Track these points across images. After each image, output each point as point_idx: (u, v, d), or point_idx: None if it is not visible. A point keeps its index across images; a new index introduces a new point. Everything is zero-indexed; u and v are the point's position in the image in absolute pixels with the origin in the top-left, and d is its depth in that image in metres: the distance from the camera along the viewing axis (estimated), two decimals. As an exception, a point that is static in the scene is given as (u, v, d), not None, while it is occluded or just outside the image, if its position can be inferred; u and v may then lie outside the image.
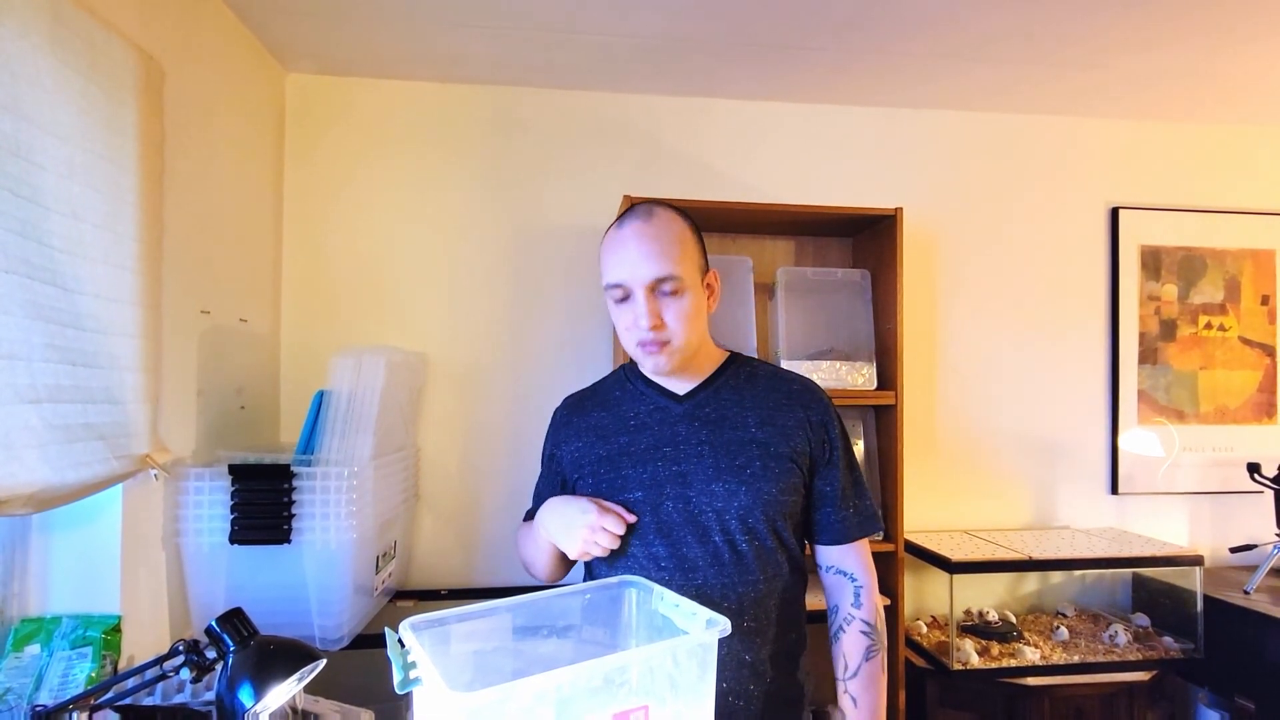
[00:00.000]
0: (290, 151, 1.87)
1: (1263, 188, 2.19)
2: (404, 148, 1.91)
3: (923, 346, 2.05)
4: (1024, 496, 2.12)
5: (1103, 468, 2.13)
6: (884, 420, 1.77)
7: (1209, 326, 2.14)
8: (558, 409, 1.11)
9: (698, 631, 0.72)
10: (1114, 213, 2.12)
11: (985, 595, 2.05)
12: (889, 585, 1.74)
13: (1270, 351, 2.16)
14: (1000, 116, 2.12)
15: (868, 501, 1.02)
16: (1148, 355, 2.12)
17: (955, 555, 1.75)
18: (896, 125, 2.08)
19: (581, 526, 0.91)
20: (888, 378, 1.73)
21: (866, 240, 1.87)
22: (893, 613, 1.72)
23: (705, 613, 0.73)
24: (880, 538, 1.74)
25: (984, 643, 1.81)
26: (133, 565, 1.17)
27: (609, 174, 1.96)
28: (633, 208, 0.96)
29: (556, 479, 1.07)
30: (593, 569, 1.01)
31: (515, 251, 1.95)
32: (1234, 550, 1.96)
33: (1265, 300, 2.16)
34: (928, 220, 2.07)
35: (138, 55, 1.09)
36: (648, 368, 0.99)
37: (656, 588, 0.81)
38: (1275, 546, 1.83)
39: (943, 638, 1.85)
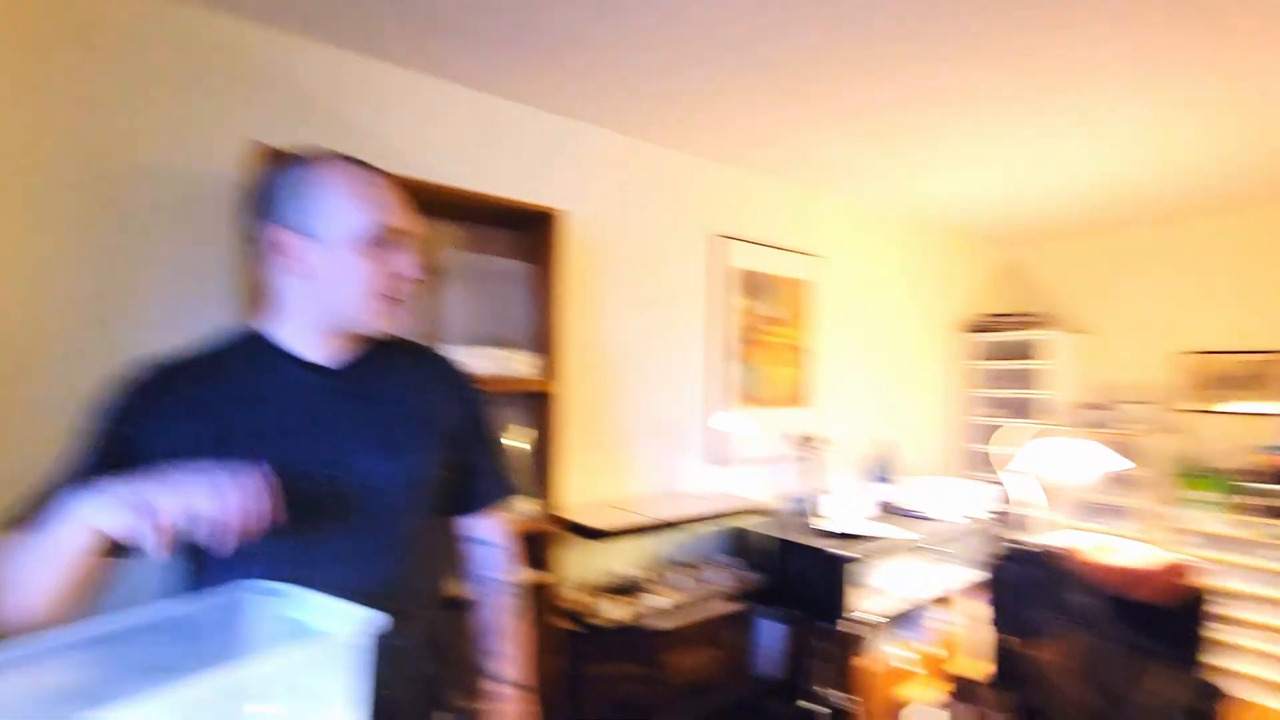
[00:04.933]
0: None
1: (810, 235, 3.03)
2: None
3: (579, 340, 2.26)
4: (649, 469, 2.50)
5: (703, 443, 2.66)
6: (544, 406, 1.89)
7: (772, 334, 2.85)
8: (137, 378, 0.84)
9: (339, 630, 0.66)
10: (714, 239, 2.67)
11: (620, 558, 2.36)
12: (545, 559, 1.86)
13: (805, 354, 3.00)
14: (646, 145, 2.47)
15: (508, 473, 1.08)
16: (735, 354, 2.72)
17: (599, 525, 1.97)
18: (569, 133, 2.26)
19: (207, 487, 0.67)
20: (549, 367, 1.85)
21: (535, 235, 1.97)
22: (549, 585, 1.84)
23: (345, 608, 0.67)
24: (531, 511, 1.85)
25: (622, 598, 2.07)
26: None
27: (235, 116, 1.65)
28: (342, 156, 0.87)
29: (118, 467, 0.75)
30: (202, 574, 0.82)
31: (100, 194, 1.49)
32: (781, 499, 2.66)
33: (804, 317, 2.99)
34: (593, 224, 2.30)
35: None
36: (387, 325, 0.89)
37: (287, 588, 0.71)
38: (803, 494, 2.54)
39: (591, 600, 2.07)
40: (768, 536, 2.42)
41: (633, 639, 2.07)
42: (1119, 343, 3.69)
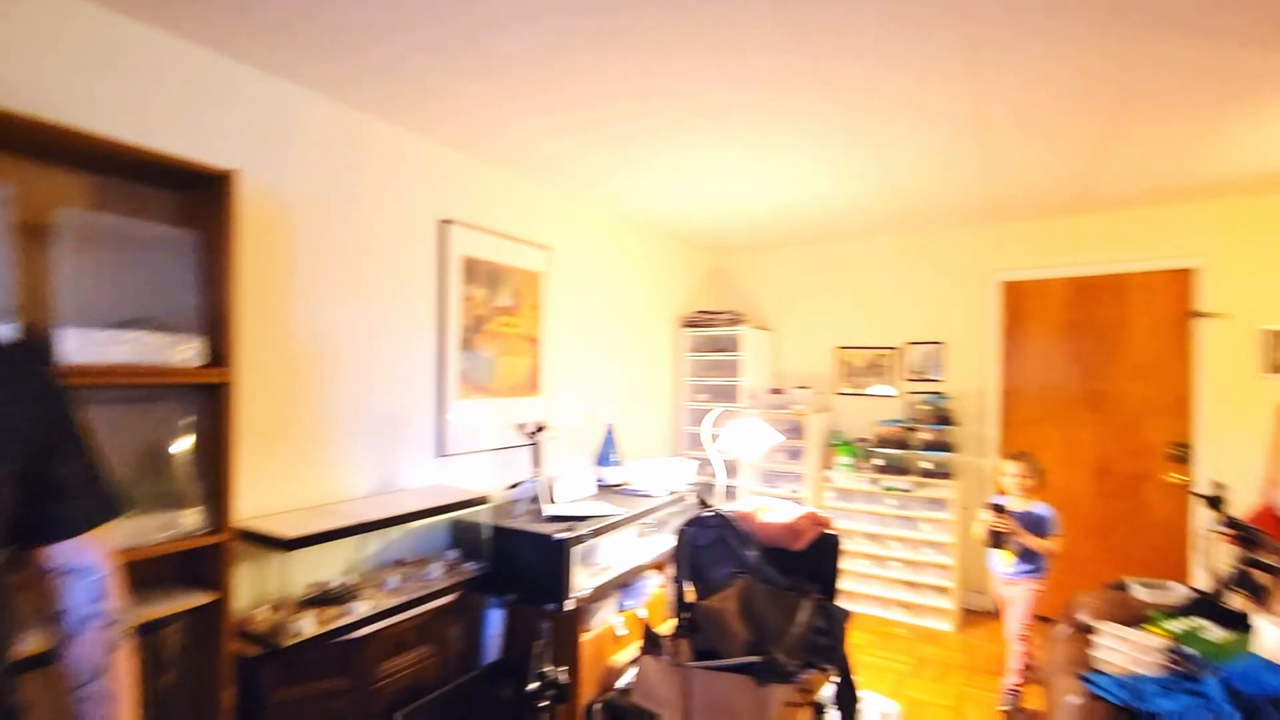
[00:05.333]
0: None
1: (537, 226, 3.09)
2: None
3: (270, 325, 1.99)
4: (368, 467, 2.32)
5: (431, 435, 2.56)
6: (214, 401, 1.62)
7: (504, 324, 2.86)
8: None
9: None
10: (443, 225, 2.57)
11: (331, 565, 2.15)
12: (217, 580, 1.60)
13: (536, 344, 3.06)
14: (369, 118, 2.26)
15: (108, 482, 0.89)
16: (465, 343, 2.66)
17: (295, 532, 1.76)
18: (270, 91, 1.96)
19: None
20: (219, 354, 1.59)
21: (199, 199, 1.66)
22: (218, 609, 1.59)
23: None
24: (196, 524, 1.58)
25: (321, 610, 1.89)
26: None
27: None
28: None
29: None
30: None
31: None
32: (509, 488, 2.69)
33: (535, 307, 3.04)
34: (299, 195, 2.03)
35: None
36: None
37: None
38: (530, 480, 2.59)
39: (286, 617, 1.84)
40: (493, 527, 2.42)
41: (332, 653, 1.90)
42: (793, 338, 4.48)
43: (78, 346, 1.35)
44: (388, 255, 2.38)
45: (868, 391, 4.18)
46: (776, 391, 4.06)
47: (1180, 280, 3.37)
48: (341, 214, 2.21)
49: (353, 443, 2.27)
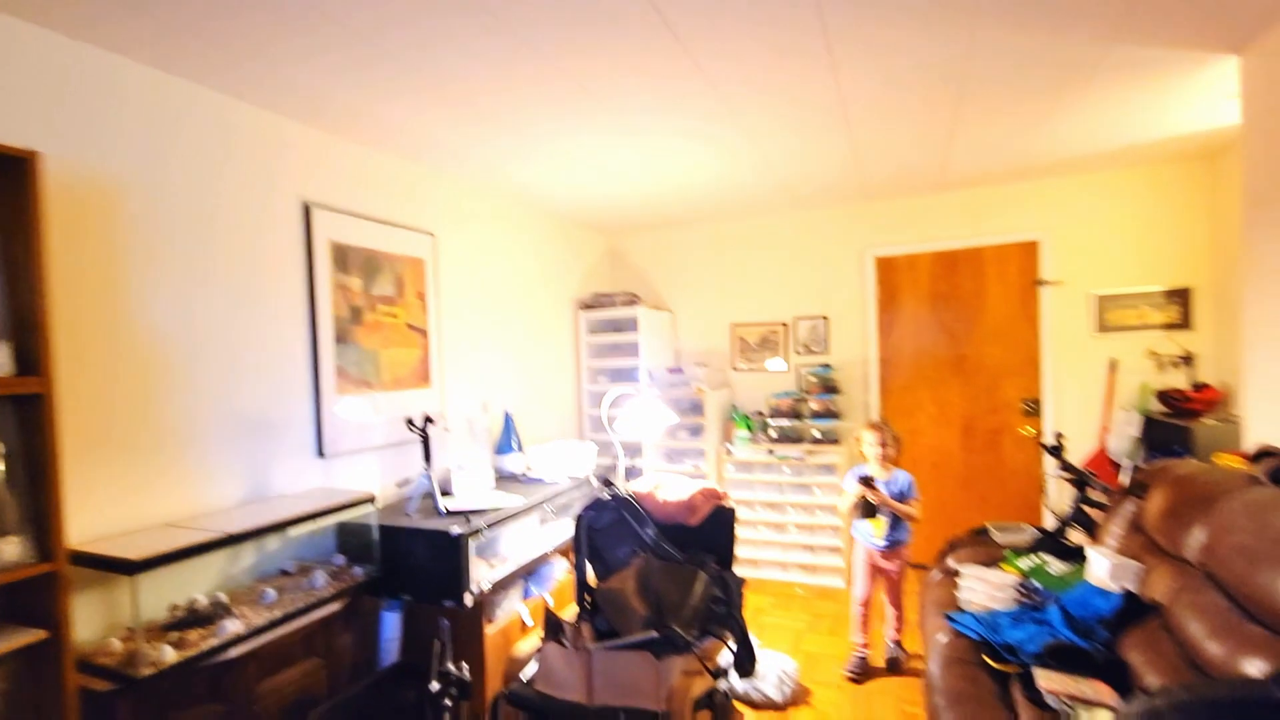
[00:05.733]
0: None
1: (417, 211, 2.94)
2: None
3: (100, 324, 1.77)
4: (237, 474, 2.14)
5: (310, 436, 2.40)
6: (29, 414, 1.42)
7: (386, 314, 2.71)
8: None
9: None
10: (306, 208, 2.39)
11: (200, 583, 1.97)
12: (47, 615, 1.43)
13: (425, 333, 2.93)
14: (193, 86, 2.04)
15: None
16: (342, 335, 2.50)
17: (142, 554, 1.59)
18: (74, 59, 1.70)
19: None
20: (32, 361, 1.40)
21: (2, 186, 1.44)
22: (54, 645, 1.42)
23: None
24: (15, 553, 1.40)
25: (183, 634, 1.73)
26: None
27: None
28: None
29: None
30: None
31: None
32: (398, 485, 2.57)
33: (421, 295, 2.91)
34: (107, 175, 1.80)
35: None
36: None
37: None
38: (423, 476, 2.50)
39: (142, 646, 1.67)
40: (384, 527, 2.31)
41: (201, 677, 1.75)
42: (690, 317, 4.58)
43: None
44: (243, 243, 2.18)
45: (762, 367, 4.34)
46: (676, 370, 4.13)
47: (1027, 252, 3.73)
48: (183, 198, 2.00)
49: (216, 449, 2.08)
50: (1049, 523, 3.30)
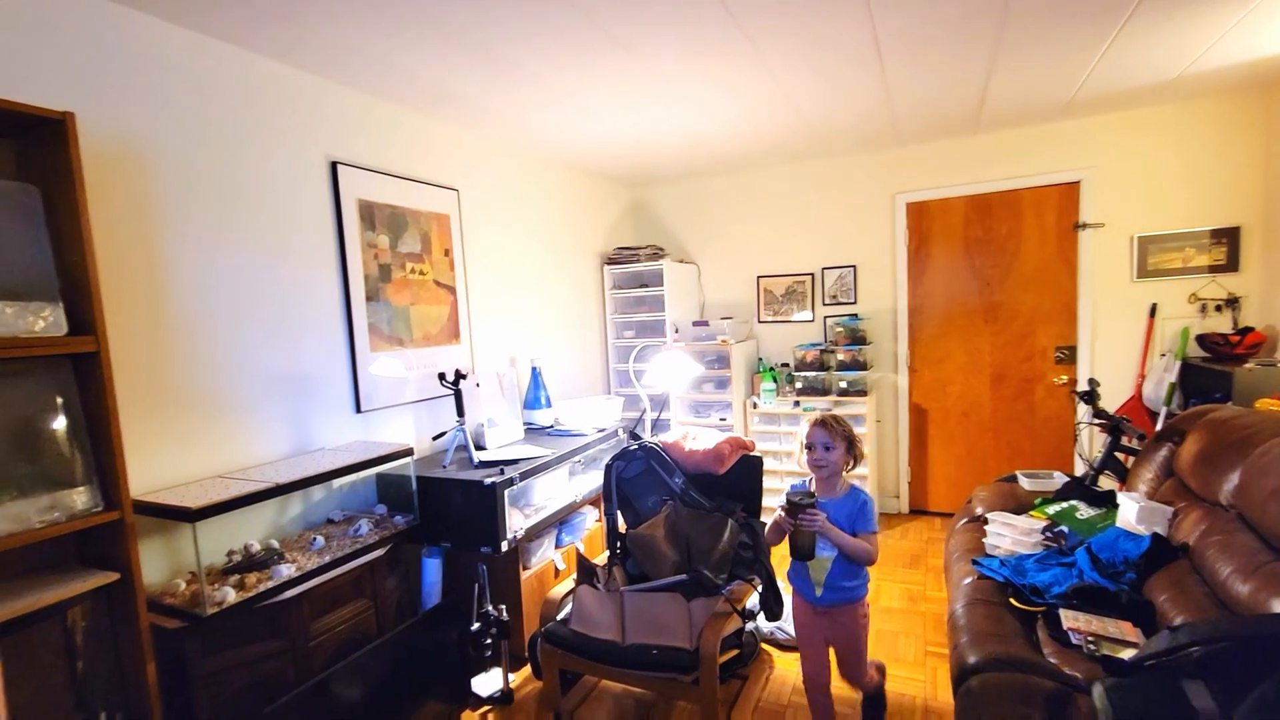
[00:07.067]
0: None
1: (441, 166, 2.93)
2: None
3: (143, 285, 1.83)
4: (281, 429, 2.24)
5: (347, 392, 2.48)
6: (86, 371, 1.50)
7: (413, 271, 2.74)
8: None
9: None
10: (334, 166, 2.40)
11: (253, 531, 2.09)
12: (118, 559, 1.53)
13: (453, 290, 2.97)
14: (221, 45, 2.04)
15: None
16: (373, 294, 2.55)
17: (199, 502, 1.69)
18: (107, 21, 1.72)
19: None
20: (83, 320, 1.46)
21: (36, 148, 1.48)
22: (126, 586, 1.53)
23: None
24: (83, 503, 1.49)
25: (244, 577, 1.85)
26: None
27: None
28: None
29: None
30: None
31: None
32: (434, 438, 2.66)
33: (447, 252, 2.93)
34: (143, 136, 1.83)
35: None
36: None
37: None
38: (456, 429, 2.57)
39: (205, 588, 1.79)
40: (421, 478, 2.40)
41: (261, 616, 1.87)
42: (715, 270, 4.54)
43: (-92, 322, 1.21)
44: (275, 202, 2.21)
45: (789, 319, 4.31)
46: (701, 324, 4.12)
47: (1066, 194, 3.59)
48: (215, 159, 2.03)
49: (261, 405, 2.16)
50: (1080, 469, 3.28)
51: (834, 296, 4.16)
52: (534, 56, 2.26)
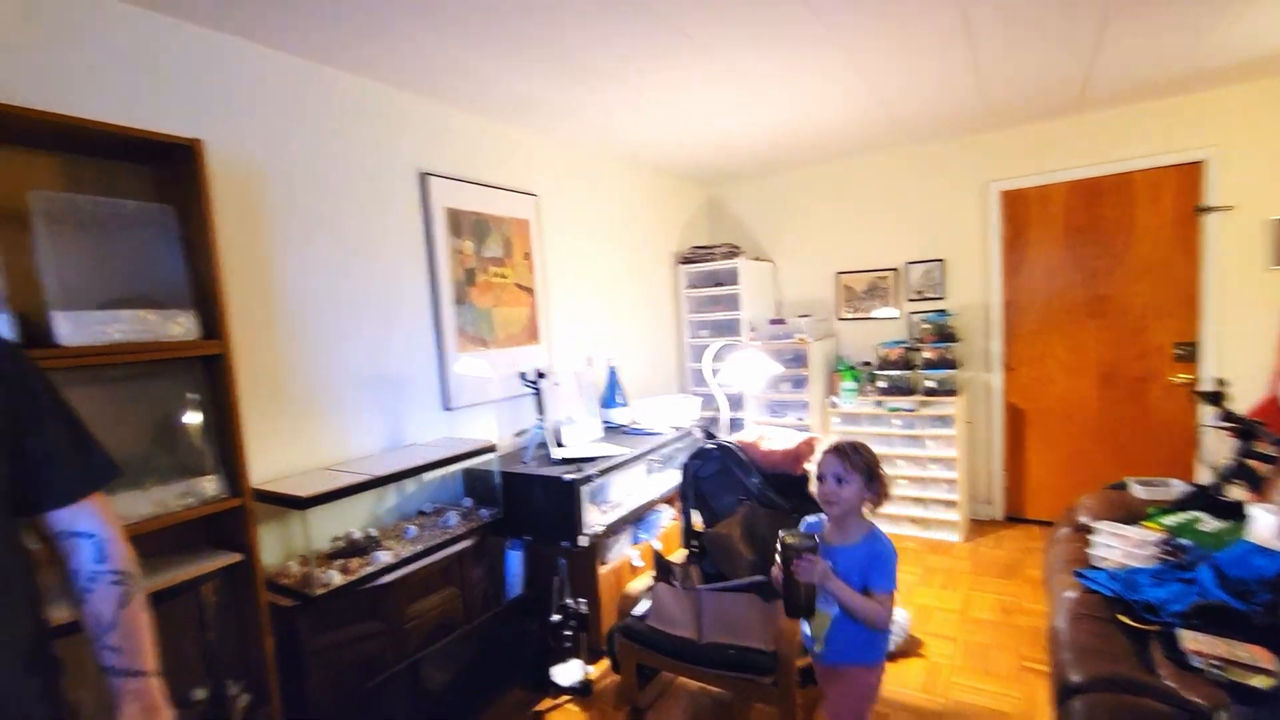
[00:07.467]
0: None
1: (519, 173, 3.04)
2: None
3: (256, 294, 2.01)
4: (376, 425, 2.39)
5: (436, 390, 2.61)
6: (214, 371, 1.66)
7: (496, 275, 2.86)
8: None
9: None
10: (424, 178, 2.54)
11: (353, 519, 2.25)
12: (241, 541, 1.69)
13: (532, 292, 3.06)
14: (323, 68, 2.20)
15: (95, 451, 0.95)
16: (459, 297, 2.67)
17: (309, 492, 1.84)
18: (226, 52, 1.90)
19: None
20: (212, 326, 1.62)
21: (165, 172, 1.65)
22: (248, 567, 1.69)
23: None
24: (213, 490, 1.65)
25: (346, 561, 1.99)
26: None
27: None
28: None
29: None
30: None
31: None
32: (516, 435, 2.75)
33: (527, 255, 3.03)
34: (257, 157, 2.01)
35: None
36: None
37: None
38: (537, 426, 2.65)
39: (313, 571, 1.94)
40: (504, 473, 2.50)
41: (362, 599, 2.01)
42: (792, 267, 4.44)
43: (72, 329, 1.38)
44: (371, 214, 2.36)
45: (870, 315, 4.16)
46: (778, 322, 4.05)
47: (1187, 175, 3.27)
48: (315, 175, 2.19)
49: (360, 403, 2.32)
50: (1203, 478, 2.98)
51: (919, 292, 3.98)
52: (613, 62, 2.29)
